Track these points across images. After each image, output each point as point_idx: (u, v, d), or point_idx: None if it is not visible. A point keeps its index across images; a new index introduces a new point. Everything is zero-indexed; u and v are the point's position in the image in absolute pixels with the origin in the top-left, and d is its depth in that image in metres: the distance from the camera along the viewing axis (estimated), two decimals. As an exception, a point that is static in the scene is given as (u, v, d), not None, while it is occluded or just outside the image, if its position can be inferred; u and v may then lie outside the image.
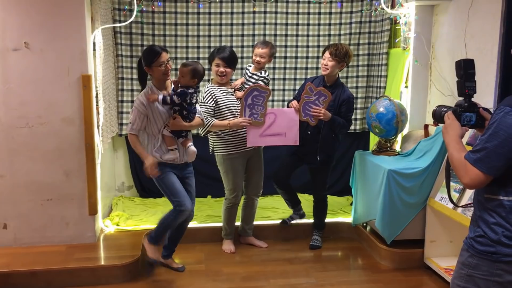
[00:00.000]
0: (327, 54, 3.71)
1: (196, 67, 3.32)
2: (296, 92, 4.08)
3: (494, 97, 3.33)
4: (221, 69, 3.64)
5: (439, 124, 2.02)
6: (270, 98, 4.08)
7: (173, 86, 3.38)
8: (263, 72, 3.87)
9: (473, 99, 1.88)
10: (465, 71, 1.87)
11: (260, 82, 3.80)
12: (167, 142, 3.32)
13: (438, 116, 1.98)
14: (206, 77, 4.75)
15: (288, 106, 3.79)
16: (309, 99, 3.68)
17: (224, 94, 3.70)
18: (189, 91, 3.30)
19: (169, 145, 3.32)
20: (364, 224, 4.21)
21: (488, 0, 3.38)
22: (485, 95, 3.40)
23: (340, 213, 4.53)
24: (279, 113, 3.71)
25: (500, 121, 1.63)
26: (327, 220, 4.19)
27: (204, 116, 3.55)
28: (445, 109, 1.93)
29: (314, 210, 4.12)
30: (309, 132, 3.80)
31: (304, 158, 3.94)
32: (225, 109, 3.68)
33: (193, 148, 3.41)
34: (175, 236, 3.59)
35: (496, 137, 1.63)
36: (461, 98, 1.91)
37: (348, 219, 4.35)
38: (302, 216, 4.17)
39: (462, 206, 2.17)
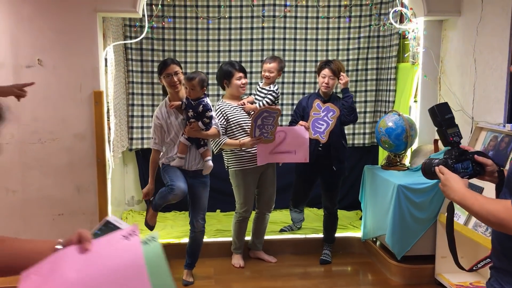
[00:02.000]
0: (327, 71, 3.74)
1: (202, 76, 3.40)
2: (292, 112, 4.11)
3: (504, 113, 3.32)
4: (243, 80, 3.71)
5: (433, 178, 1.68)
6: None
7: (184, 101, 3.42)
8: (271, 86, 3.90)
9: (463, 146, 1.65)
10: (442, 117, 1.65)
11: (269, 96, 3.84)
12: (180, 149, 3.43)
13: (429, 172, 1.65)
14: (214, 92, 4.81)
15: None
16: (317, 116, 3.70)
17: (235, 111, 3.73)
18: (206, 101, 3.40)
19: (180, 152, 3.43)
20: (374, 239, 4.20)
21: (497, 16, 3.39)
22: (495, 111, 3.40)
23: (350, 228, 4.52)
24: (289, 131, 3.73)
25: None
26: (337, 234, 4.19)
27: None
28: (436, 161, 1.64)
29: (325, 224, 4.13)
30: (320, 148, 3.83)
31: (319, 173, 3.97)
32: (237, 126, 3.70)
33: (210, 163, 3.50)
34: (192, 249, 3.68)
35: None
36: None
37: (358, 234, 4.34)
38: (299, 228, 4.48)
39: (473, 270, 1.78)
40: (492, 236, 1.60)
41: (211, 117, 3.42)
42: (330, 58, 4.82)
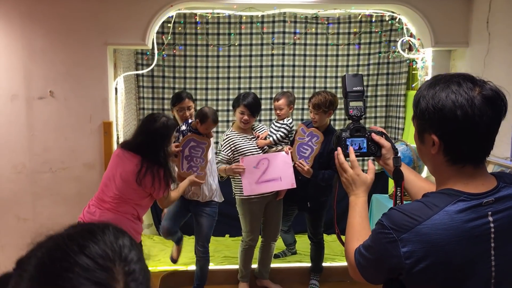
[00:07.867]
0: (311, 106, 3.63)
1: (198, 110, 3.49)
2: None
3: (511, 147, 3.28)
4: (245, 117, 3.63)
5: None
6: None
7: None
8: (285, 120, 3.87)
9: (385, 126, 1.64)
10: (350, 88, 1.62)
11: (282, 130, 3.80)
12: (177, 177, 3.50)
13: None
14: (225, 118, 4.86)
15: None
16: (302, 140, 3.64)
17: (244, 141, 3.73)
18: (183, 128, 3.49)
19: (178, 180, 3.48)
20: (382, 269, 4.16)
21: (504, 50, 3.37)
22: (502, 145, 3.36)
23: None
24: (272, 158, 3.63)
25: None
26: (342, 263, 4.15)
27: (218, 161, 3.67)
28: (337, 135, 1.62)
29: (311, 253, 4.10)
30: (299, 178, 3.68)
31: (297, 204, 3.93)
32: (240, 156, 3.70)
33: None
34: (197, 274, 3.77)
35: None
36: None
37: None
38: (293, 253, 4.55)
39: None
40: None
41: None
42: (339, 85, 4.84)
